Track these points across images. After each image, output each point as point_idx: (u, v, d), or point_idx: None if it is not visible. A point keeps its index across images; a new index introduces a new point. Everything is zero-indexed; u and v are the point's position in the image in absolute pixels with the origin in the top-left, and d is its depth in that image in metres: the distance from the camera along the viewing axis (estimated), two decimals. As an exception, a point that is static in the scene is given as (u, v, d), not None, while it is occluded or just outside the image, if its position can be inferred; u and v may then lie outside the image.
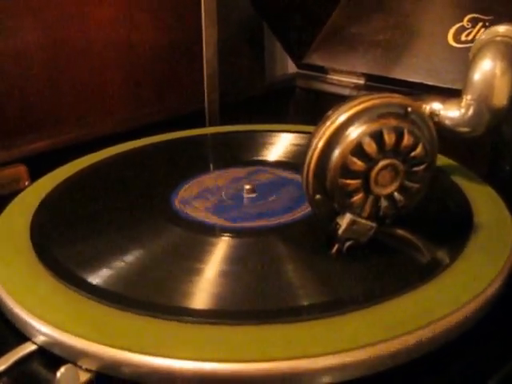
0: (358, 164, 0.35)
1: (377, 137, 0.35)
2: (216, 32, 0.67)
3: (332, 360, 0.29)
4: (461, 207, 0.43)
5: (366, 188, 0.36)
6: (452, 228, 0.41)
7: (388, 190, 0.36)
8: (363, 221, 0.36)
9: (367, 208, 0.36)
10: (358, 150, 0.35)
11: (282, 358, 0.29)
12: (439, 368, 0.32)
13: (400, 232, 0.39)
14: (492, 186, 0.46)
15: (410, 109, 0.36)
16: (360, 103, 0.36)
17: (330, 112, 0.36)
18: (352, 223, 0.36)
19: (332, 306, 0.33)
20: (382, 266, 0.36)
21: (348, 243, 0.36)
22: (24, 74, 0.70)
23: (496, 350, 0.34)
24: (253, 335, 0.31)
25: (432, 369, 0.31)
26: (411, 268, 0.36)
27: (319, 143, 0.35)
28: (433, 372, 0.31)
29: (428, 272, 0.35)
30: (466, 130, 0.43)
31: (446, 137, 0.42)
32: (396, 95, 0.37)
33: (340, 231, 0.36)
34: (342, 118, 0.35)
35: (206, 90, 0.69)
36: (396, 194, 0.37)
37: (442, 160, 0.50)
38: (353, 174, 0.35)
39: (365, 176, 0.36)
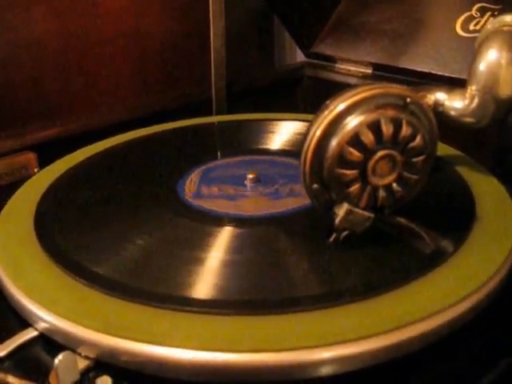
0: (355, 154, 0.35)
1: (374, 127, 0.35)
2: (224, 21, 0.67)
3: (330, 352, 0.29)
4: (464, 197, 0.43)
5: (364, 178, 0.36)
6: (455, 218, 0.40)
7: (386, 181, 0.36)
8: (360, 211, 0.36)
9: (364, 198, 0.36)
10: (354, 140, 0.35)
11: (280, 349, 0.29)
12: (439, 359, 0.32)
13: (401, 221, 0.39)
14: (497, 176, 0.46)
15: (408, 99, 0.36)
16: (358, 93, 0.35)
17: (328, 101, 0.36)
18: (349, 213, 0.36)
19: (332, 297, 0.33)
20: (382, 256, 0.36)
21: (345, 233, 0.36)
22: (35, 63, 0.71)
23: (495, 343, 0.34)
24: (250, 326, 0.31)
25: (432, 360, 0.31)
26: (412, 259, 0.36)
27: (317, 132, 0.35)
28: (432, 364, 0.31)
29: (429, 263, 0.35)
30: (470, 120, 0.43)
31: (450, 127, 0.42)
32: (395, 85, 0.36)
33: (337, 221, 0.36)
34: (340, 107, 0.35)
35: (213, 79, 0.69)
36: (394, 184, 0.36)
37: (445, 150, 0.50)
38: (350, 164, 0.35)
39: (362, 166, 0.35)
